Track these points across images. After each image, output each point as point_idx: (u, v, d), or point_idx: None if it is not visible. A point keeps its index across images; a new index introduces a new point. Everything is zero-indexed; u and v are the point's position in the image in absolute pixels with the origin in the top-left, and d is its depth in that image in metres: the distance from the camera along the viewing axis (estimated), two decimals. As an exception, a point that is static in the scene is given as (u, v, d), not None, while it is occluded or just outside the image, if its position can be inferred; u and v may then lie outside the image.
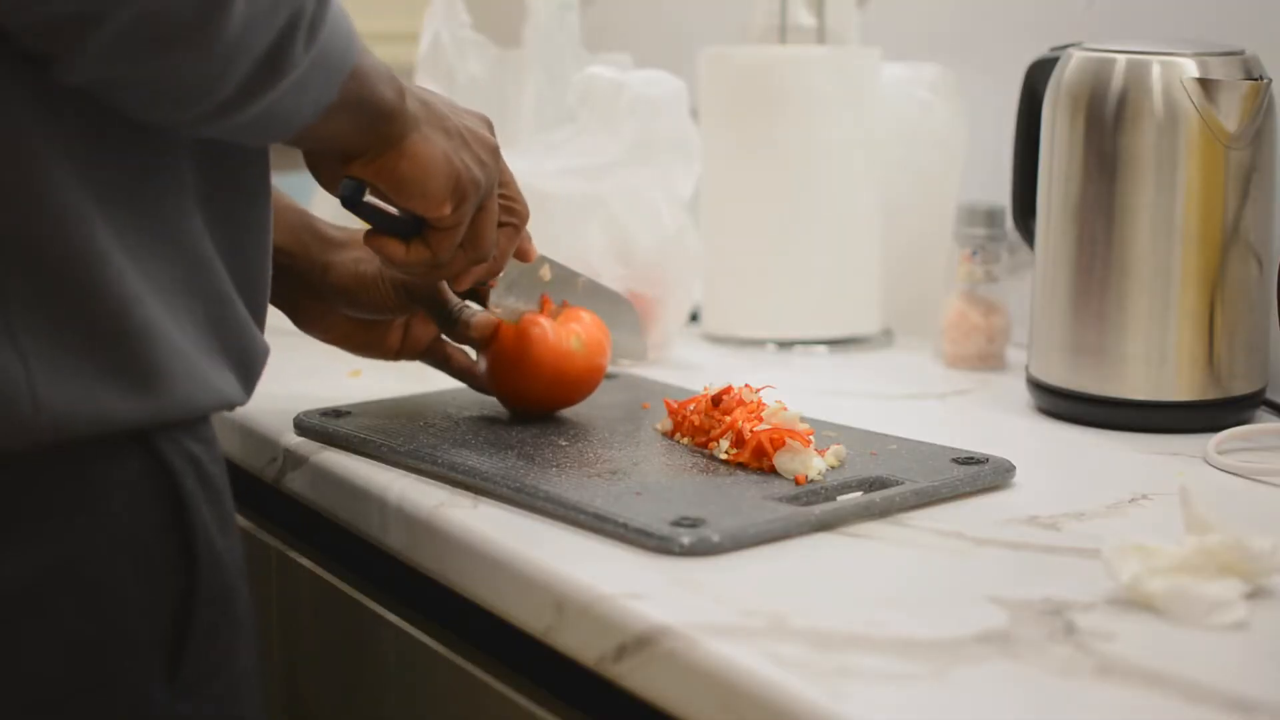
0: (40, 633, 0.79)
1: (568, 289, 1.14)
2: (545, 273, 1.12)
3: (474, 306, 1.10)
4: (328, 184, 0.97)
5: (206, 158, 0.85)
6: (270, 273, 0.92)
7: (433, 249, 0.99)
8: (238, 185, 0.88)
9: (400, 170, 0.93)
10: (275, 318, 1.10)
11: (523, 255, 1.09)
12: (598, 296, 1.17)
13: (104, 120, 0.79)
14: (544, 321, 1.11)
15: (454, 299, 1.10)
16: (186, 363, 0.82)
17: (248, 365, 0.88)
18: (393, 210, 0.98)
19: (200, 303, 0.84)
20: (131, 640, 0.82)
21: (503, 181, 1.02)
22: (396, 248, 0.99)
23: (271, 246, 0.92)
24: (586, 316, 1.13)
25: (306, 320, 1.11)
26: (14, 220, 0.76)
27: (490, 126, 1.01)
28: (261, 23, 0.76)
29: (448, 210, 0.96)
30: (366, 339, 1.12)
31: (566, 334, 1.11)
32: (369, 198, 0.96)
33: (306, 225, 1.08)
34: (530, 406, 1.12)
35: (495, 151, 0.99)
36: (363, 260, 1.08)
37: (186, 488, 0.83)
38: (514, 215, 1.04)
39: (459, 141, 0.95)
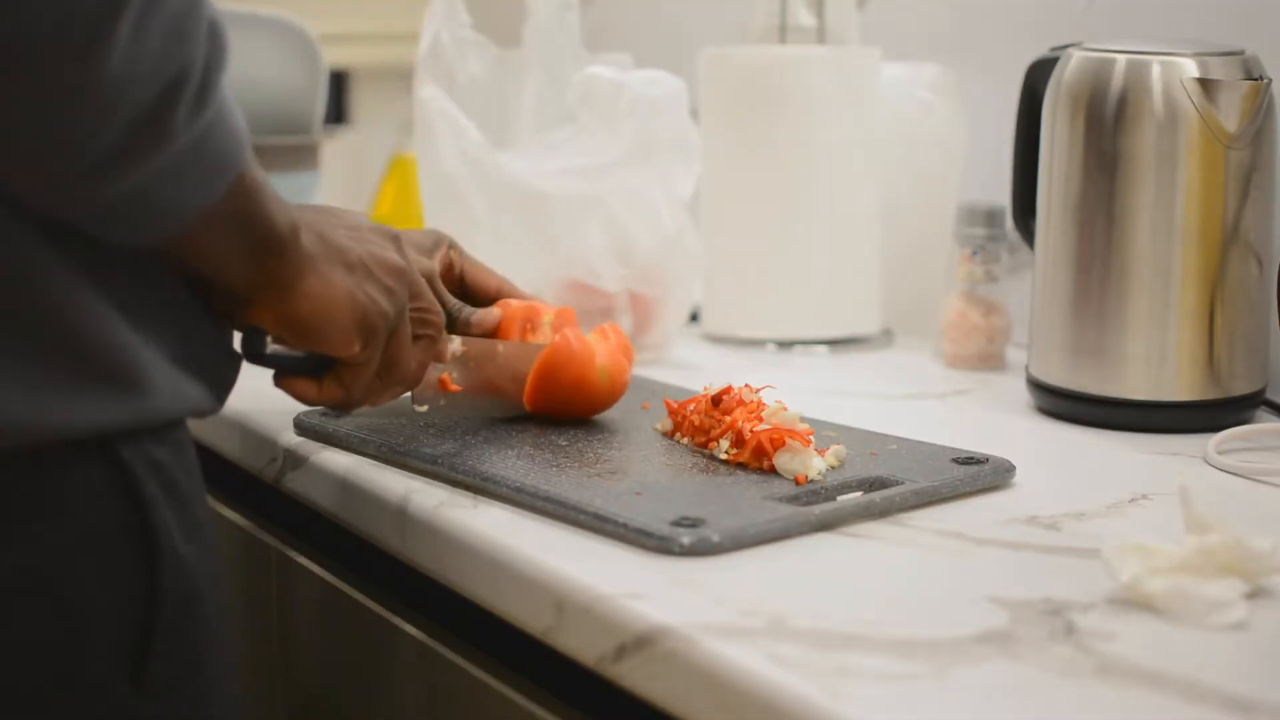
0: (3, 634, 0.79)
1: (488, 358, 1.10)
2: (458, 347, 1.09)
3: (470, 306, 1.10)
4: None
5: None
6: None
7: (346, 386, 0.97)
8: None
9: (300, 315, 0.90)
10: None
11: (439, 357, 1.06)
12: (523, 353, 1.11)
13: None
14: (573, 341, 1.09)
15: (452, 300, 1.10)
16: (151, 373, 0.82)
17: (219, 377, 0.88)
18: (296, 352, 0.96)
19: (167, 316, 0.84)
20: (94, 642, 0.81)
21: (413, 294, 0.98)
22: (308, 388, 0.98)
23: None
24: (613, 336, 1.13)
25: None
26: None
27: (396, 243, 0.97)
28: (143, 71, 0.71)
29: (357, 349, 0.94)
30: None
31: (591, 356, 1.10)
32: (272, 347, 0.94)
33: None
34: (540, 413, 1.12)
35: (402, 273, 0.96)
36: None
37: (147, 492, 0.83)
38: (428, 326, 1.01)
39: (362, 274, 0.92)
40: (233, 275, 0.86)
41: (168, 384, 0.83)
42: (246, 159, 0.81)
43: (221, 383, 0.89)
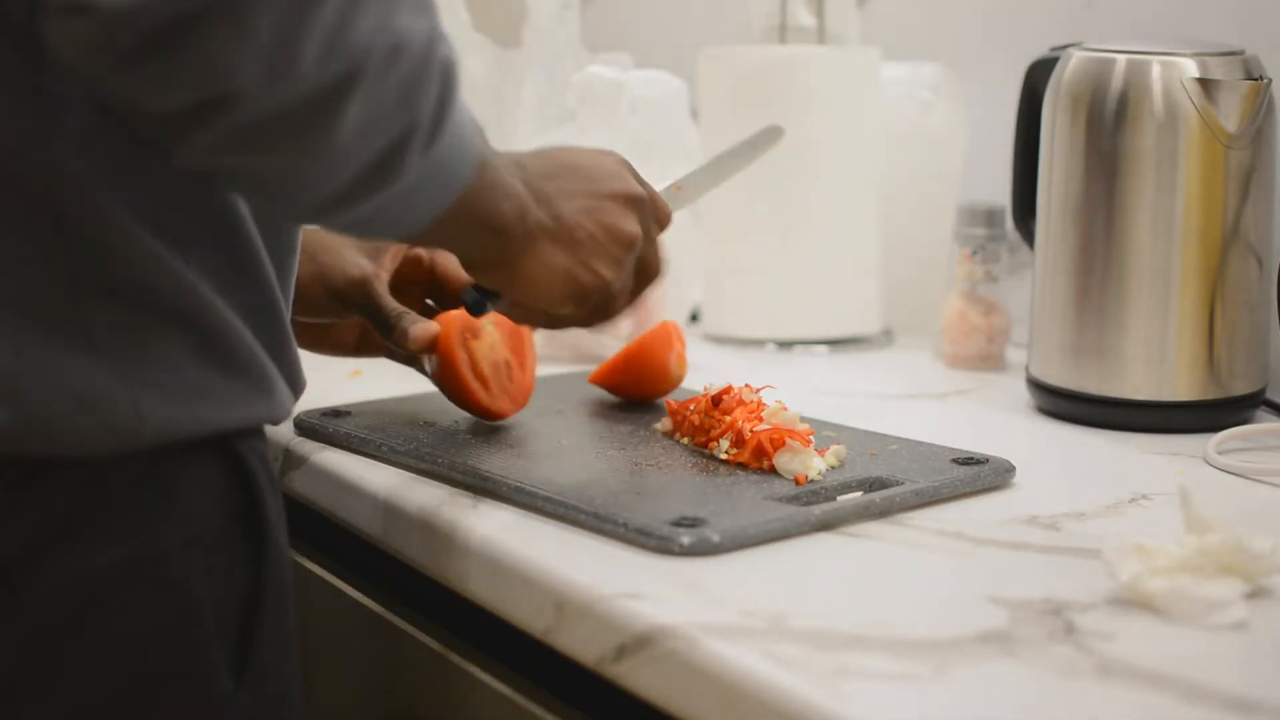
0: (117, 626, 0.81)
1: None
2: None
3: (413, 314, 1.08)
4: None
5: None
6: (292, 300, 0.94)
7: (549, 329, 1.00)
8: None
9: (513, 285, 0.92)
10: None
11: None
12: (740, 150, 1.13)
13: (169, 169, 0.80)
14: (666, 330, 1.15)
15: (391, 306, 1.08)
16: (268, 376, 0.86)
17: (297, 385, 0.91)
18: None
19: (266, 324, 0.87)
20: (204, 636, 0.84)
21: (645, 242, 0.97)
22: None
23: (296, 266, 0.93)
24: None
25: None
26: (97, 261, 0.79)
27: (639, 208, 0.95)
28: (375, 131, 0.76)
29: (567, 310, 0.95)
30: (316, 337, 1.11)
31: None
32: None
33: None
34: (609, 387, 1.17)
35: (632, 244, 0.94)
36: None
37: (260, 486, 0.87)
38: (645, 279, 0.99)
39: (590, 249, 0.93)
40: (456, 253, 0.92)
41: (282, 388, 0.87)
42: (474, 171, 0.84)
43: (298, 392, 0.91)
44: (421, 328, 1.06)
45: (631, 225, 0.95)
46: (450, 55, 0.80)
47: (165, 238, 0.81)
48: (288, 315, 0.91)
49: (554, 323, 0.97)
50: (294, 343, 0.90)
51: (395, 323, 1.07)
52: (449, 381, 1.08)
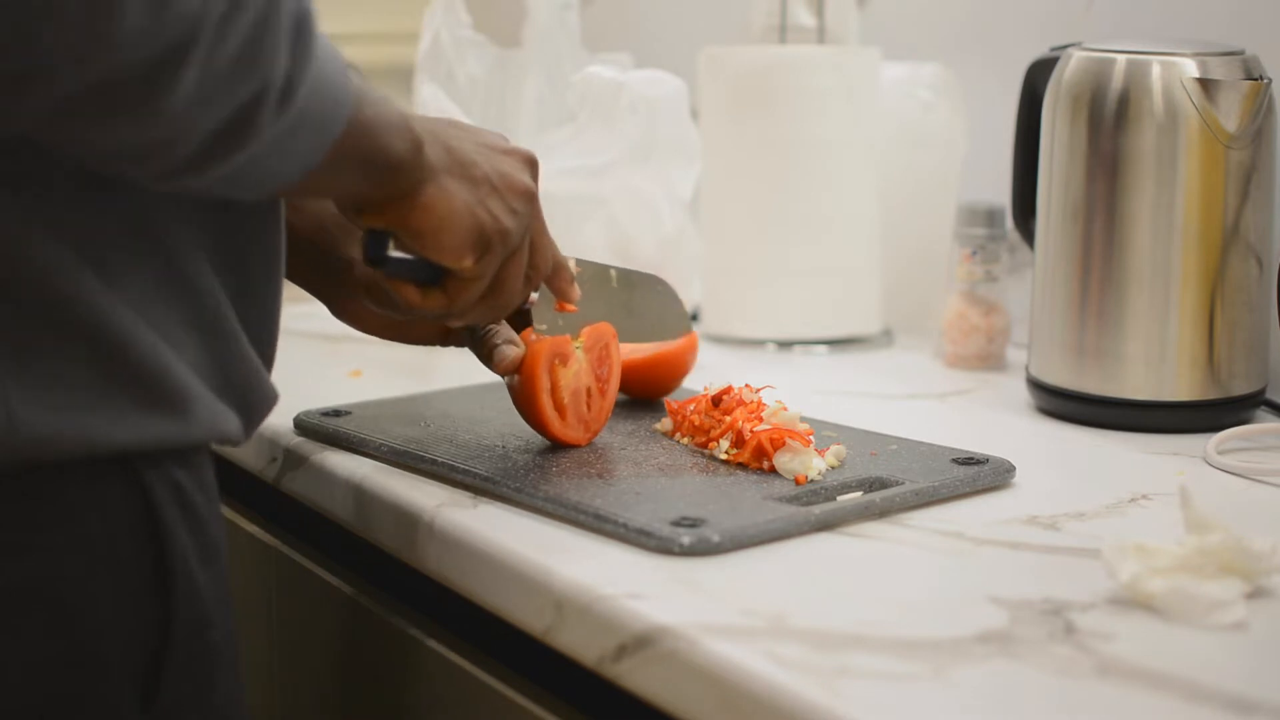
0: (7, 651, 0.78)
1: (602, 283, 1.11)
2: (573, 266, 1.07)
3: (503, 329, 1.05)
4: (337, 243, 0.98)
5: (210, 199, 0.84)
6: (280, 313, 0.91)
7: (451, 298, 0.94)
8: (246, 217, 0.87)
9: (414, 222, 0.89)
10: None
11: (563, 296, 1.04)
12: (633, 282, 1.13)
13: (86, 174, 0.78)
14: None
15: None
16: (191, 397, 0.82)
17: (251, 406, 0.87)
18: (410, 256, 0.94)
19: (204, 340, 0.84)
20: (104, 665, 0.81)
21: (536, 228, 0.97)
22: (413, 293, 0.94)
23: (282, 284, 0.90)
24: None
25: (341, 311, 1.07)
26: None
27: (533, 168, 0.96)
28: (217, 97, 0.72)
29: (469, 262, 0.91)
30: (403, 329, 1.07)
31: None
32: (393, 251, 0.92)
33: (333, 217, 1.04)
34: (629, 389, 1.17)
35: (530, 197, 0.94)
36: None
37: (166, 515, 0.82)
38: (533, 269, 0.98)
39: (486, 189, 0.91)
40: (352, 198, 0.89)
41: (204, 410, 0.83)
42: (349, 114, 0.80)
43: (254, 413, 0.88)
44: (508, 351, 1.03)
45: (526, 178, 0.94)
46: (304, 7, 0.76)
47: (64, 240, 0.78)
48: (275, 330, 0.88)
49: (456, 297, 0.94)
50: (253, 361, 0.87)
51: (485, 336, 1.04)
52: (525, 404, 1.05)
